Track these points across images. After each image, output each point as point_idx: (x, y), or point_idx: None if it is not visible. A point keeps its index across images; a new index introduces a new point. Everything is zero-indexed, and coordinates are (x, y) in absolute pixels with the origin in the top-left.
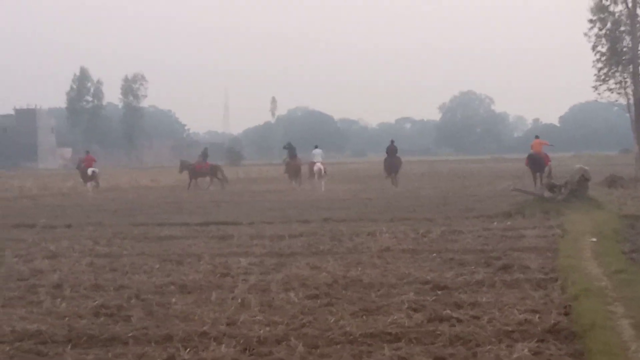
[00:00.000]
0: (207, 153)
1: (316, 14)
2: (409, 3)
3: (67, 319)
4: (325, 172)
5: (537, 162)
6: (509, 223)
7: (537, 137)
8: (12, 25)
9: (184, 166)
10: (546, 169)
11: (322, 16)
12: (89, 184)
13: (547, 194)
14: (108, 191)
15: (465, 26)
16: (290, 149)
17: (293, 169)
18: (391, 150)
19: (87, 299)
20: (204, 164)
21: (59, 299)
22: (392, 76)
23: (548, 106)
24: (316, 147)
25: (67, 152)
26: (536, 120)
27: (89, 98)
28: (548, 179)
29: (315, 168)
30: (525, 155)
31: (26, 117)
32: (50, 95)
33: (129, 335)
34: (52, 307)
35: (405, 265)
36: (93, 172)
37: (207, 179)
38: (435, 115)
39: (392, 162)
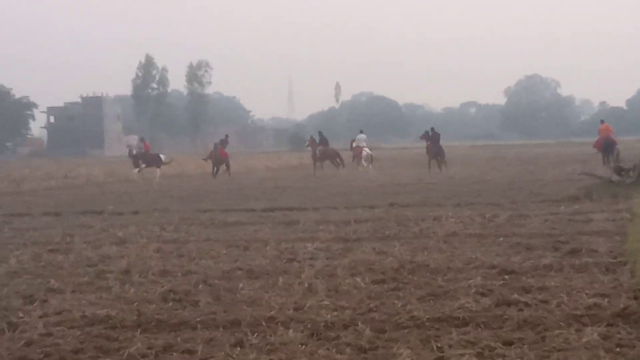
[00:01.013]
0: (227, 141)
1: (380, 11)
2: None
3: (135, 304)
4: (372, 156)
5: (606, 146)
6: (576, 207)
7: (602, 121)
8: (78, 15)
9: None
10: (614, 151)
11: (386, 2)
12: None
13: (615, 177)
14: (174, 177)
15: (530, 10)
16: (321, 137)
17: (321, 156)
18: (434, 137)
19: (155, 285)
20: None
21: (128, 285)
22: (457, 60)
23: (615, 89)
24: (361, 131)
25: (133, 139)
26: (603, 104)
27: (155, 85)
28: (616, 162)
29: (364, 154)
30: (594, 139)
31: (93, 105)
32: (116, 83)
33: (197, 320)
34: (121, 293)
35: (472, 249)
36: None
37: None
38: (500, 100)
39: (437, 149)
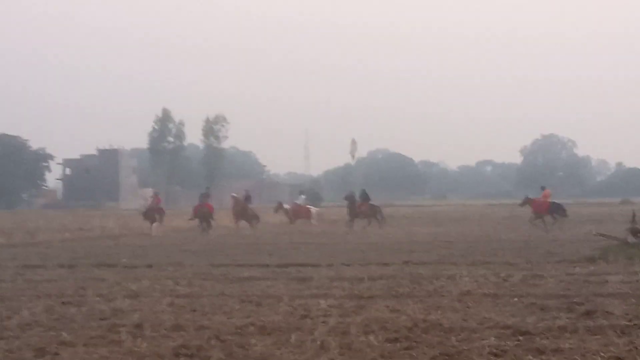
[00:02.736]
0: (208, 193)
1: (395, 59)
2: (484, 44)
3: (147, 358)
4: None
5: (555, 207)
6: (592, 268)
7: (544, 187)
8: (95, 67)
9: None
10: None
11: (400, 61)
12: (154, 225)
13: (630, 238)
14: (188, 231)
15: (546, 69)
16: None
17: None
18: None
19: (167, 339)
20: (204, 204)
21: (140, 339)
22: (473, 119)
23: (632, 149)
24: (301, 193)
25: (149, 192)
26: (619, 164)
27: (171, 139)
28: (632, 224)
29: (313, 211)
30: (611, 200)
31: (109, 157)
32: (133, 136)
33: None
34: (133, 347)
35: (486, 309)
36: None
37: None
38: (517, 158)
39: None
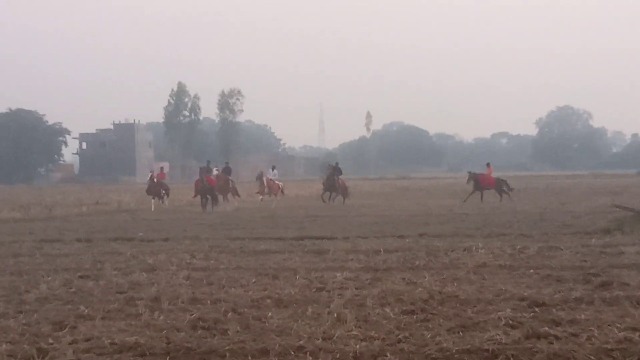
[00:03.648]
0: (209, 168)
1: (412, 32)
2: (501, 20)
3: (165, 331)
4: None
5: (499, 182)
6: (608, 239)
7: (489, 164)
8: (111, 42)
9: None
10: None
11: (417, 34)
12: (153, 200)
13: None
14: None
15: (562, 42)
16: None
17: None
18: (332, 171)
19: (184, 312)
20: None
21: (157, 312)
22: (489, 90)
23: None
24: (274, 167)
25: (165, 166)
26: (635, 135)
27: (186, 113)
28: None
29: (281, 185)
30: (626, 171)
31: (125, 131)
32: (149, 110)
33: (226, 348)
34: (150, 320)
35: (502, 281)
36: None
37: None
38: (532, 130)
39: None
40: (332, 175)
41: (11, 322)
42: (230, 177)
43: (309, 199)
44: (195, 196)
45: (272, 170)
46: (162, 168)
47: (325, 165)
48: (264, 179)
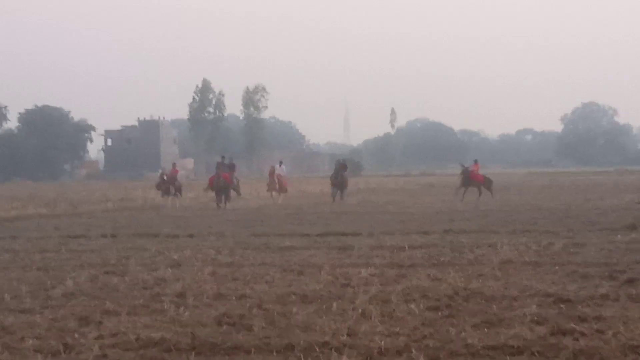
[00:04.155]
0: (224, 162)
1: (436, 26)
2: (525, 16)
3: (190, 327)
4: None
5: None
6: (633, 236)
7: (476, 160)
8: (136, 38)
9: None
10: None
11: (441, 27)
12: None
13: None
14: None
15: (586, 37)
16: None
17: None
18: (339, 167)
19: (209, 308)
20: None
21: (183, 308)
22: (513, 87)
23: None
24: (281, 163)
25: (190, 162)
26: None
27: (211, 109)
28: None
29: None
30: None
31: (150, 128)
32: (173, 107)
33: (251, 344)
34: (175, 316)
35: (527, 277)
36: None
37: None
38: (557, 127)
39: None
40: (340, 172)
41: (38, 318)
42: (235, 174)
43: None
44: (206, 190)
45: (280, 165)
46: (174, 164)
47: (335, 162)
48: (274, 174)
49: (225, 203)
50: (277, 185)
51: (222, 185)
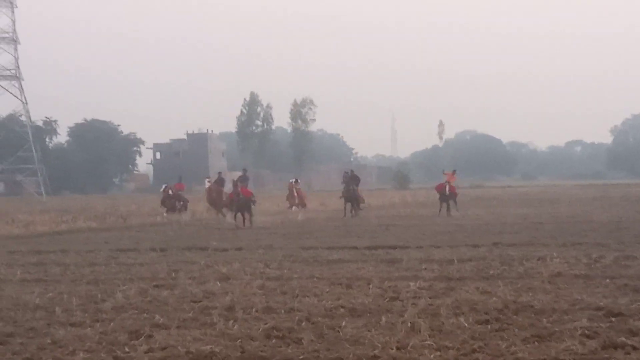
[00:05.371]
0: (247, 177)
1: (485, 40)
2: (576, 26)
3: (239, 340)
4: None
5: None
6: None
7: (454, 171)
8: (186, 52)
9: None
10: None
11: (488, 42)
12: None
13: None
14: (277, 214)
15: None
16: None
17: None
18: (349, 179)
19: (258, 321)
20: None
21: (232, 321)
22: (562, 98)
23: None
24: (297, 180)
25: (237, 175)
26: None
27: (259, 122)
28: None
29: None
30: None
31: (198, 141)
32: (221, 120)
33: (300, 357)
34: (224, 329)
35: (578, 290)
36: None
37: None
38: (607, 138)
39: (349, 193)
40: (350, 184)
41: (88, 331)
42: (224, 189)
43: (381, 208)
44: (226, 207)
45: (296, 182)
46: (180, 178)
47: (343, 174)
48: (294, 190)
49: (249, 222)
50: (296, 200)
51: (242, 202)
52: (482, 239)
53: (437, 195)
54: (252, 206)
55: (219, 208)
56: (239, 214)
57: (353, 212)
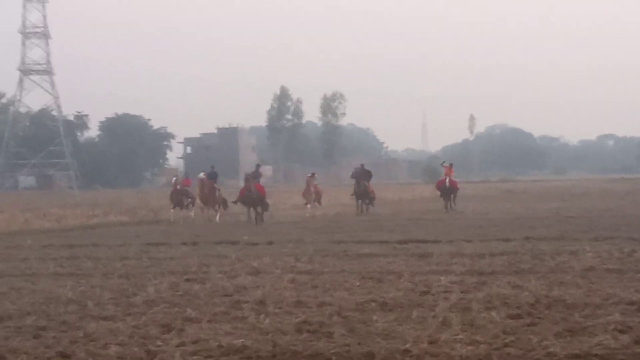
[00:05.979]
0: (259, 172)
1: (517, 31)
2: (605, 21)
3: (271, 334)
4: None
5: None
6: None
7: (451, 165)
8: (216, 46)
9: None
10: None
11: (519, 35)
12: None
13: None
14: (307, 209)
15: None
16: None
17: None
18: (361, 176)
19: (290, 315)
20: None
21: (263, 315)
22: (594, 92)
23: None
24: (313, 173)
25: (268, 169)
26: None
27: (289, 116)
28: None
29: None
30: None
31: (228, 135)
32: (252, 114)
33: (332, 352)
34: (256, 323)
35: (610, 285)
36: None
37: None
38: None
39: (361, 189)
40: (361, 180)
41: (120, 325)
42: (216, 185)
43: (412, 202)
44: (236, 202)
45: (312, 176)
46: (187, 174)
47: (354, 170)
48: (311, 185)
49: (261, 219)
50: (313, 196)
51: (255, 197)
52: (514, 233)
53: (439, 193)
54: (268, 203)
55: (211, 204)
56: (251, 209)
57: (366, 208)
